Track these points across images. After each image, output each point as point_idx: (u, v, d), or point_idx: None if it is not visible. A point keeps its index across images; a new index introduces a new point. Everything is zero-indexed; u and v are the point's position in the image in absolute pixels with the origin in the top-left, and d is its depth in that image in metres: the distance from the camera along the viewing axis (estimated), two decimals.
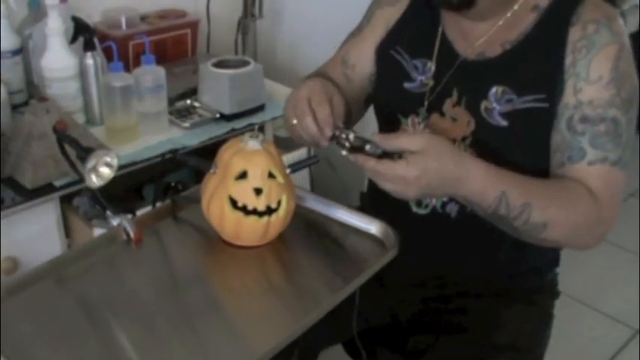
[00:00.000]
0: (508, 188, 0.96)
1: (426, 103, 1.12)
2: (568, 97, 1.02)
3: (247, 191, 0.95)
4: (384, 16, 1.21)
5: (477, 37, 1.09)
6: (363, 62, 1.23)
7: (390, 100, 1.19)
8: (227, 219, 0.96)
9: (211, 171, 0.98)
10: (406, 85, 1.16)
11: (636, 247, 2.43)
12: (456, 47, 1.11)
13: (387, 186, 0.92)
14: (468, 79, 1.09)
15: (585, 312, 2.21)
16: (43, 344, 0.82)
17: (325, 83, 1.07)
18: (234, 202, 0.95)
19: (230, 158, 0.96)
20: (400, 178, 0.90)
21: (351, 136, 0.94)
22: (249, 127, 1.66)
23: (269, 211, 0.96)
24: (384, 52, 1.20)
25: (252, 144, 0.96)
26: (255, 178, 0.95)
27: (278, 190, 0.96)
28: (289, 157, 1.71)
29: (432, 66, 1.13)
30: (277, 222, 0.98)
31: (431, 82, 1.13)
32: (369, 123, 1.29)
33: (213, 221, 0.98)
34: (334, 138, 0.96)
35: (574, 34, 1.02)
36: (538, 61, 1.04)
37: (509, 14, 1.06)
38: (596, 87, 1.00)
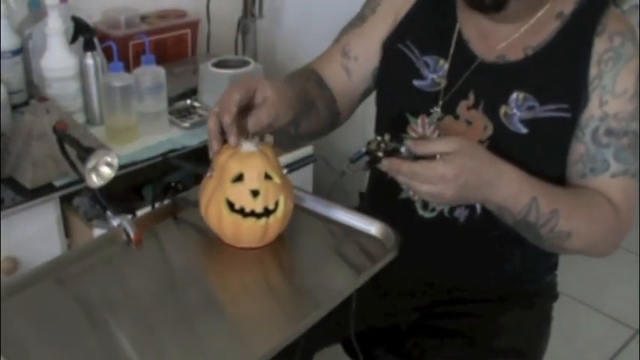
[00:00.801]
0: (539, 194, 0.96)
1: (440, 103, 1.09)
2: (593, 109, 1.01)
3: (244, 193, 0.94)
4: (394, 6, 1.15)
5: (498, 39, 1.06)
6: (368, 55, 1.17)
7: (398, 98, 1.15)
8: (225, 222, 0.96)
9: (207, 174, 0.98)
10: (416, 82, 1.11)
11: (636, 247, 2.43)
12: (472, 47, 1.08)
13: (423, 188, 0.91)
14: (486, 82, 1.06)
15: (585, 312, 2.21)
16: (43, 344, 0.82)
17: (280, 89, 0.97)
18: (231, 205, 0.95)
19: (226, 161, 0.95)
20: (439, 178, 0.89)
21: (387, 138, 0.92)
22: None
23: (267, 212, 0.96)
24: (391, 46, 1.14)
25: (247, 146, 0.95)
26: (252, 180, 0.94)
27: (275, 191, 0.96)
28: (290, 157, 1.71)
29: (444, 64, 1.09)
30: (276, 223, 0.97)
31: (443, 82, 1.09)
32: (368, 122, 1.28)
33: (212, 224, 0.98)
34: (368, 149, 0.93)
35: (600, 45, 1.01)
36: (562, 69, 1.02)
37: (533, 20, 1.04)
38: (621, 100, 1.01)
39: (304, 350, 1.13)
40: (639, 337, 2.13)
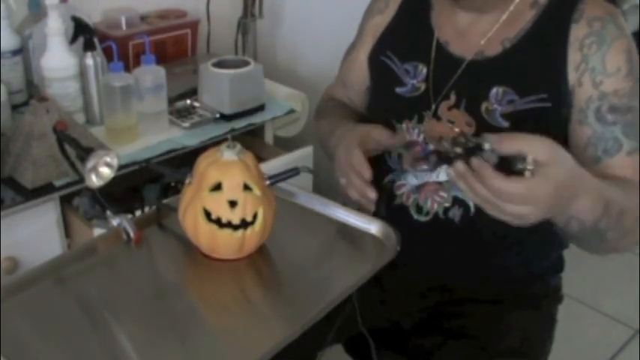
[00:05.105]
0: (610, 198, 0.89)
1: (433, 106, 1.09)
2: (589, 91, 1.00)
3: (221, 203, 0.92)
4: (375, 25, 1.20)
5: (476, 35, 1.07)
6: (359, 78, 1.23)
7: (384, 107, 1.17)
8: (201, 231, 0.93)
9: (187, 181, 0.96)
10: (398, 90, 1.13)
11: (636, 247, 2.42)
12: (450, 49, 1.09)
13: (509, 208, 0.80)
14: (467, 80, 1.07)
15: (585, 312, 2.21)
16: (43, 344, 0.82)
17: (353, 131, 1.08)
18: (208, 214, 0.92)
19: (205, 169, 0.93)
20: (533, 198, 0.79)
21: (462, 140, 0.79)
22: (249, 127, 1.66)
23: (244, 224, 0.93)
24: (375, 60, 1.19)
25: (228, 154, 0.93)
26: (230, 190, 0.92)
27: (254, 202, 0.93)
28: (290, 158, 1.71)
29: (423, 69, 1.11)
30: (253, 236, 0.94)
31: (422, 86, 1.11)
32: None
33: (189, 233, 0.96)
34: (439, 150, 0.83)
35: (578, 31, 1.00)
36: (538, 59, 1.02)
37: (512, 7, 1.04)
38: (616, 78, 0.99)
39: (307, 350, 1.13)
40: (639, 337, 2.13)
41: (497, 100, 1.04)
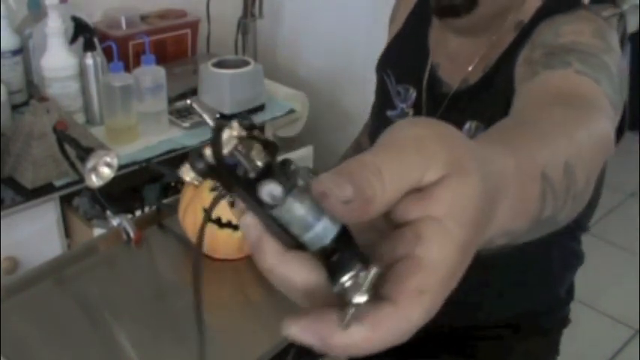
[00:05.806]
0: (547, 166, 0.50)
1: None
2: (539, 54, 0.80)
3: (221, 203, 0.91)
4: (389, 36, 1.15)
5: (464, 60, 0.99)
6: None
7: (376, 130, 1.12)
8: None
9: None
10: (389, 112, 1.08)
11: (636, 247, 2.43)
12: (440, 74, 1.02)
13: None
14: (445, 112, 1.00)
15: (585, 312, 2.21)
16: (43, 344, 0.82)
17: None
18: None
19: None
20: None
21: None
22: None
23: None
24: (378, 75, 1.13)
25: None
26: None
27: None
28: (290, 158, 1.71)
29: (413, 93, 1.05)
30: None
31: (411, 112, 1.05)
32: None
33: (189, 232, 0.96)
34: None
35: (535, 34, 0.86)
36: (502, 86, 0.90)
37: (495, 37, 0.95)
38: (578, 35, 0.80)
39: (307, 351, 1.11)
40: (639, 337, 2.13)
41: (470, 135, 0.94)
